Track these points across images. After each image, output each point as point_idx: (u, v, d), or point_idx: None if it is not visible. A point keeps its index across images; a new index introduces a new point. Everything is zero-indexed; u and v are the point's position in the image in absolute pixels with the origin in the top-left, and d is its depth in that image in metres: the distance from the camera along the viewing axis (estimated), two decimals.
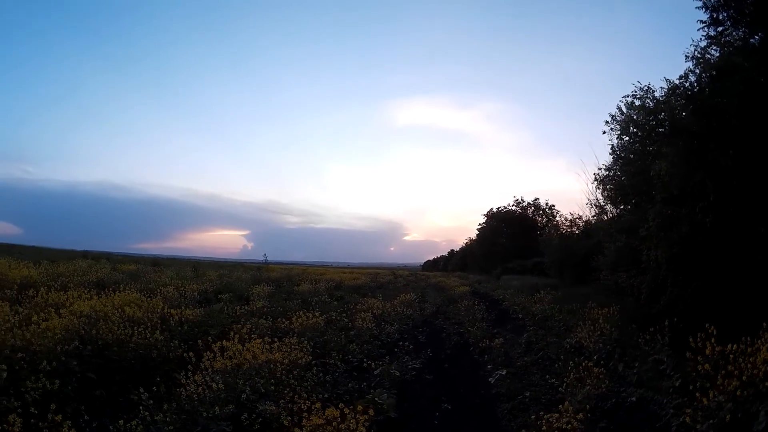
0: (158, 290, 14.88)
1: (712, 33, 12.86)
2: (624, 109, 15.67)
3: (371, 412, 5.60)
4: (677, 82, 12.93)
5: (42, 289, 11.29)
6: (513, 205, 60.50)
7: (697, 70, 12.24)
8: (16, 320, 7.40)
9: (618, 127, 15.96)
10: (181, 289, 16.18)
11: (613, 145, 16.57)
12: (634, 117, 15.01)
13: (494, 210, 63.47)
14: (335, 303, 18.04)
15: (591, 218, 22.59)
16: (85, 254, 34.26)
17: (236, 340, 8.12)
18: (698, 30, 12.88)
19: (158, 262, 34.29)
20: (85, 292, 12.07)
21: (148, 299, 11.97)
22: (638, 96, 15.02)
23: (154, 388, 6.55)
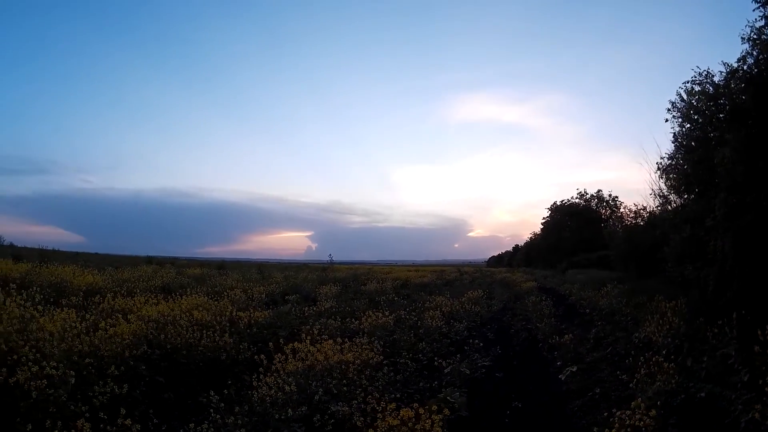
0: (225, 293, 15.32)
1: None
2: (684, 96, 15.37)
3: (446, 411, 5.69)
4: (736, 65, 12.64)
5: (108, 295, 11.65)
6: (576, 198, 59.88)
7: (755, 52, 11.96)
8: (83, 327, 7.64)
9: (679, 114, 15.68)
10: (248, 291, 16.66)
11: (674, 133, 16.29)
12: (695, 103, 14.73)
13: (558, 203, 63.40)
14: (403, 301, 18.25)
15: (655, 209, 22.08)
16: (149, 260, 35.33)
17: (308, 341, 8.31)
18: (753, 10, 12.51)
19: (223, 266, 34.99)
20: (152, 297, 12.47)
21: (216, 302, 12.36)
22: (697, 81, 14.74)
23: (225, 391, 6.90)
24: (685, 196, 15.90)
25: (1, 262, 15.96)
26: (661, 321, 10.95)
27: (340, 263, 60.50)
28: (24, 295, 8.88)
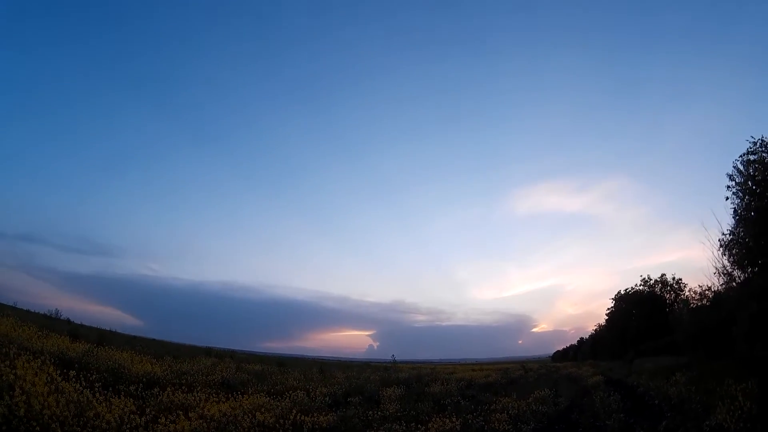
0: (287, 393, 15.05)
1: None
2: (741, 168, 15.20)
3: None
4: None
5: (168, 388, 11.71)
6: (640, 285, 58.61)
7: None
8: (142, 421, 7.58)
9: (737, 187, 15.44)
10: (311, 392, 16.40)
11: (734, 207, 15.96)
12: (752, 173, 14.50)
13: (622, 293, 62.69)
14: (468, 403, 17.67)
15: (720, 287, 21.34)
16: (208, 351, 34.93)
17: None
18: None
19: (283, 363, 34.47)
20: (213, 393, 12.45)
21: (278, 402, 12.21)
22: (753, 151, 14.56)
23: None
24: (750, 270, 15.32)
25: (59, 339, 16.31)
26: (732, 405, 10.23)
27: (403, 362, 59.75)
28: (82, 379, 9.06)
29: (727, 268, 18.05)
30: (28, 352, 11.30)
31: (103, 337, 23.60)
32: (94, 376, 10.14)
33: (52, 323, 24.76)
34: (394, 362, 45.23)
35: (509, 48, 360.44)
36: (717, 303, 21.04)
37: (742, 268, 16.12)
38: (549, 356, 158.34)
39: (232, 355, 35.97)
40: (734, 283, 17.41)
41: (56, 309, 33.28)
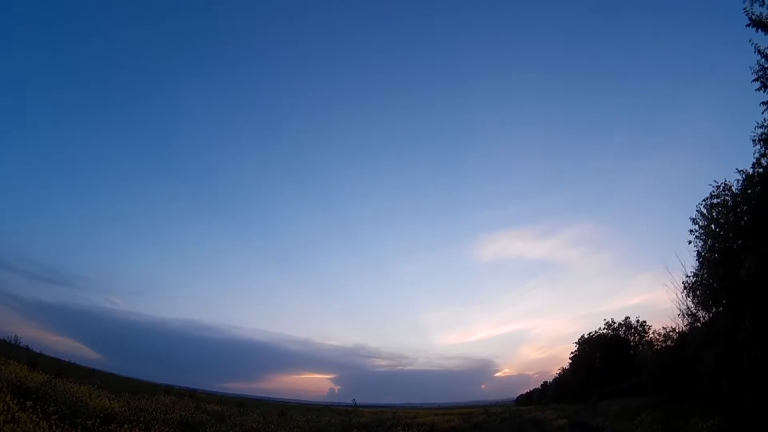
0: None
1: None
2: (704, 211, 15.65)
3: None
4: (751, 170, 12.84)
5: (126, 425, 11.46)
6: (604, 329, 59.38)
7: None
8: None
9: (701, 231, 15.86)
10: None
11: (698, 250, 16.40)
12: (715, 216, 14.92)
13: (586, 336, 63.28)
14: None
15: (684, 328, 21.86)
16: (167, 389, 34.18)
17: None
18: (762, 113, 12.74)
19: (243, 404, 34.01)
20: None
21: None
22: (716, 194, 15.03)
23: None
24: (714, 310, 15.66)
25: (17, 367, 15.98)
26: None
27: (364, 406, 59.17)
28: (39, 410, 8.78)
29: (692, 309, 18.50)
30: None
31: (61, 368, 23.04)
32: (51, 408, 9.92)
33: (10, 350, 24.18)
34: (355, 406, 44.99)
35: (475, 98, 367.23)
36: (682, 343, 21.38)
37: (706, 308, 16.48)
38: (513, 400, 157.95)
39: (191, 394, 35.27)
40: (699, 324, 17.79)
41: (15, 336, 32.69)
